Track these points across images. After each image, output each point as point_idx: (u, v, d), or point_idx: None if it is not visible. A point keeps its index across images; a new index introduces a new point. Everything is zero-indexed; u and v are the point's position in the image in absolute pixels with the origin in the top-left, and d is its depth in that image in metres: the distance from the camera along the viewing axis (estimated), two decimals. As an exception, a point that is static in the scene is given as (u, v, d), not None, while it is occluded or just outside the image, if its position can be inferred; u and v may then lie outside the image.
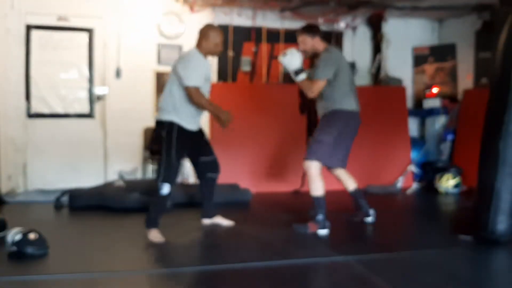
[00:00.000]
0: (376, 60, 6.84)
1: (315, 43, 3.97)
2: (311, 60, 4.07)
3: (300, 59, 3.85)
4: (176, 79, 3.70)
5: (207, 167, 4.01)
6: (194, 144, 3.86)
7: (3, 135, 5.51)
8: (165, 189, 3.61)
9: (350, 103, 3.93)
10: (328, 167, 4.07)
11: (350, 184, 4.23)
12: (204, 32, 3.82)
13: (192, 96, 3.61)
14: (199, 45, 3.82)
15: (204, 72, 3.75)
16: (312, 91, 3.83)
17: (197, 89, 3.62)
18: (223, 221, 4.11)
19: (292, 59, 3.84)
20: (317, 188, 3.84)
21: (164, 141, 3.66)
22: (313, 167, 3.83)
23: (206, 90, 3.80)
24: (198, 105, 3.66)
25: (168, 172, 3.64)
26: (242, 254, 3.34)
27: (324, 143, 3.84)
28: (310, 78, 3.87)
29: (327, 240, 3.71)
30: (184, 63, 3.70)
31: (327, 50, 3.94)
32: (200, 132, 3.93)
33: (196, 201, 5.00)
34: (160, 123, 3.72)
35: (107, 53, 5.89)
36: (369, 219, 4.21)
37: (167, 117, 3.68)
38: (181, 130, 3.68)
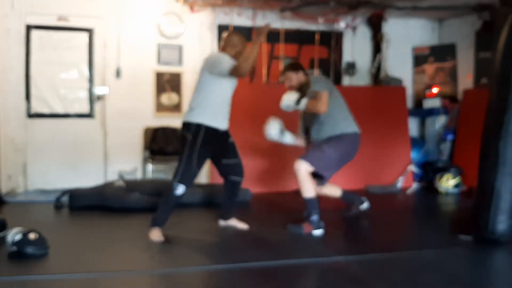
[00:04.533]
0: (376, 60, 6.84)
1: (299, 77, 4.07)
2: (300, 91, 4.07)
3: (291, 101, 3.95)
4: (205, 78, 3.69)
5: (229, 170, 3.96)
6: (219, 146, 3.83)
7: (3, 135, 5.51)
8: (180, 190, 3.60)
9: (353, 126, 4.05)
10: (317, 180, 4.10)
11: (336, 190, 4.37)
12: (228, 39, 3.90)
13: (238, 72, 3.53)
14: (223, 50, 3.87)
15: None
16: (322, 105, 3.83)
17: (235, 66, 3.56)
18: (237, 224, 4.07)
19: (288, 100, 3.96)
20: (308, 189, 3.91)
21: (188, 144, 3.62)
22: (303, 169, 3.89)
23: (232, 86, 3.82)
24: (247, 68, 3.51)
25: (186, 175, 3.61)
26: (242, 254, 3.34)
27: (327, 154, 3.92)
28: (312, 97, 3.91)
29: (326, 240, 3.71)
30: (215, 59, 3.71)
31: (313, 77, 4.10)
32: (226, 134, 3.89)
33: (197, 201, 5.02)
34: (187, 125, 3.68)
35: (107, 53, 5.89)
36: (364, 205, 4.25)
37: (195, 119, 3.65)
38: (208, 132, 3.65)
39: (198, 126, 3.63)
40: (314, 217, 3.86)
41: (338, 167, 4.06)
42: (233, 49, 3.84)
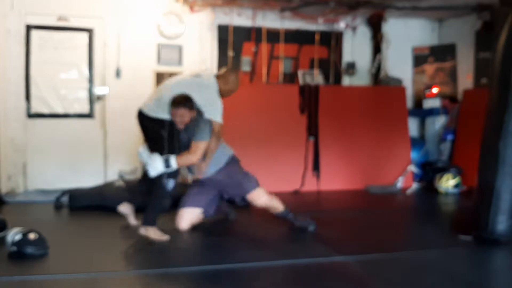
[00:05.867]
0: (376, 60, 6.84)
1: (191, 114, 3.83)
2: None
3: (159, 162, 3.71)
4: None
5: None
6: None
7: (3, 135, 5.51)
8: (170, 184, 3.69)
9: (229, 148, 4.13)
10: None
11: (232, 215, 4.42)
12: (227, 76, 4.01)
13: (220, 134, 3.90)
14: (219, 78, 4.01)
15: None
16: (196, 155, 3.71)
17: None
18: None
19: (154, 168, 3.70)
20: (277, 205, 4.02)
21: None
22: (261, 193, 4.00)
23: None
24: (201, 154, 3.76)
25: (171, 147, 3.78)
26: (242, 254, 3.34)
27: (248, 173, 4.07)
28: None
29: (326, 240, 3.71)
30: (212, 103, 3.89)
31: (200, 115, 3.89)
32: None
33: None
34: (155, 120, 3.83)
35: (107, 53, 5.89)
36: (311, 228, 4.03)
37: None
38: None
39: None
40: (301, 222, 4.01)
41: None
42: (226, 85, 3.99)
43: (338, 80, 6.82)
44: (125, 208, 4.05)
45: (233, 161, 4.07)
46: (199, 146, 3.71)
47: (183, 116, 3.71)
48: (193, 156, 3.71)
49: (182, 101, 3.72)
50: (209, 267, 3.07)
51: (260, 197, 3.99)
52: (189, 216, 3.96)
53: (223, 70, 4.14)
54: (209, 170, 3.95)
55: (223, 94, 3.99)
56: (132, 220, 4.01)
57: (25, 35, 5.65)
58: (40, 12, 5.69)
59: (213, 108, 3.87)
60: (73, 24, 5.81)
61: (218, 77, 4.00)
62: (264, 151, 6.05)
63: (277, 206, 4.01)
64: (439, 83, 6.98)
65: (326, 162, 6.20)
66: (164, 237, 3.62)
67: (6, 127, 5.54)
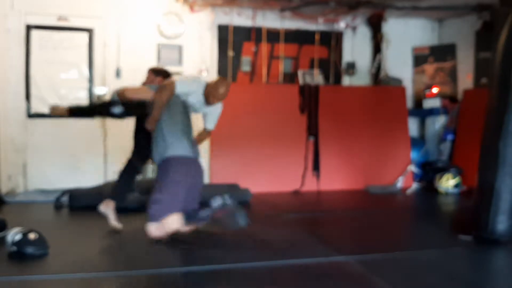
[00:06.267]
0: (376, 60, 6.84)
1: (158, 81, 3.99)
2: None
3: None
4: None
5: None
6: None
7: (3, 135, 5.51)
8: (116, 109, 3.75)
9: (183, 148, 3.63)
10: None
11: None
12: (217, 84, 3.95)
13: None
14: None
15: None
16: (127, 92, 3.72)
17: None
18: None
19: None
20: (173, 222, 3.46)
21: None
22: (154, 227, 3.45)
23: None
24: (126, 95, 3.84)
25: None
26: (242, 254, 3.34)
27: (170, 195, 3.51)
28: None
29: (326, 240, 3.71)
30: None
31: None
32: None
33: (203, 200, 5.00)
34: None
35: (107, 53, 5.89)
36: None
37: None
38: None
39: None
40: (205, 213, 3.54)
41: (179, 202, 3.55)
42: (214, 92, 3.86)
43: (338, 80, 6.82)
44: (105, 208, 3.97)
45: (173, 164, 3.55)
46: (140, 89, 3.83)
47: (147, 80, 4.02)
48: (126, 92, 3.72)
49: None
50: (209, 267, 3.07)
51: (150, 228, 3.46)
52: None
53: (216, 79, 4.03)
54: (154, 157, 3.66)
55: (208, 100, 3.87)
56: (112, 221, 3.95)
57: (25, 35, 5.65)
58: (40, 12, 5.69)
59: (213, 117, 4.04)
60: (73, 24, 5.81)
61: (208, 85, 3.89)
62: (264, 151, 6.05)
63: (172, 224, 3.44)
64: (439, 83, 6.98)
65: (326, 162, 6.21)
66: (117, 225, 3.78)
67: (6, 127, 5.54)
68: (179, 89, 3.76)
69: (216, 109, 4.04)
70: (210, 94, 3.83)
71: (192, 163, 3.67)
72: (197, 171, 3.73)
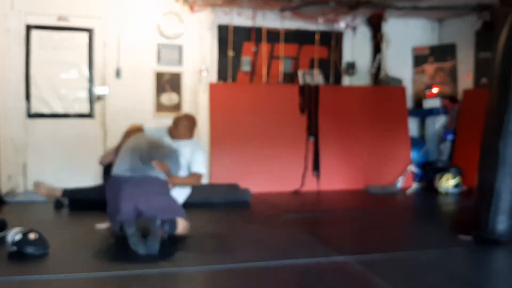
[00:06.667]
0: (376, 60, 6.84)
1: None
2: None
3: None
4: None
5: None
6: None
7: (3, 135, 5.51)
8: None
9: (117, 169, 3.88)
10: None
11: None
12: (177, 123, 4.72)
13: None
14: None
15: None
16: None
17: None
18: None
19: None
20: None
21: None
22: None
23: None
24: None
25: None
26: (242, 254, 3.34)
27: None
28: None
29: (326, 240, 3.71)
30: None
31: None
32: None
33: (196, 201, 5.01)
34: None
35: (107, 53, 5.89)
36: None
37: None
38: None
39: None
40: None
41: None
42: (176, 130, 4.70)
43: (338, 80, 6.82)
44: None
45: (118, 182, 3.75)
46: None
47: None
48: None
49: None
50: (209, 267, 3.07)
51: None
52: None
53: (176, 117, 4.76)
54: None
55: (173, 136, 4.66)
56: (100, 223, 3.96)
57: (25, 35, 5.66)
58: (40, 12, 5.69)
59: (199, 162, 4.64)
60: (73, 24, 5.81)
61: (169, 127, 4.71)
62: (264, 151, 6.05)
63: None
64: (439, 83, 6.98)
65: (326, 162, 6.21)
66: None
67: (6, 127, 5.54)
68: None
69: (198, 156, 4.61)
70: (172, 131, 4.65)
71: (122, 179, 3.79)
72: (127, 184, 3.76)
